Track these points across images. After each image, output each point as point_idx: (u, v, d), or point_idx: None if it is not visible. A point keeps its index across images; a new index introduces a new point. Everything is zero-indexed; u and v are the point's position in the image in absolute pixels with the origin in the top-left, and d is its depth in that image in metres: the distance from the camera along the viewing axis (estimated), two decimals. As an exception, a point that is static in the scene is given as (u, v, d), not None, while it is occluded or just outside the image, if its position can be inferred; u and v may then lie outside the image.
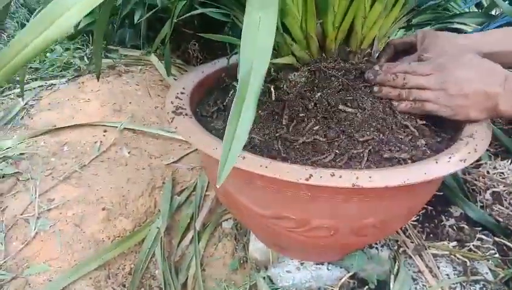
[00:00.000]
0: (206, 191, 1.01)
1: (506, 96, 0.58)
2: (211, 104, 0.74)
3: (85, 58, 1.43)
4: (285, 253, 0.81)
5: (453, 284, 0.75)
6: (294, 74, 0.66)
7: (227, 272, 0.89)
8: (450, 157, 0.54)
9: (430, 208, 0.90)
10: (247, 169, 0.52)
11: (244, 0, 0.38)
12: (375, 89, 0.65)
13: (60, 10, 0.35)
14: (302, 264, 0.79)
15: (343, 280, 0.77)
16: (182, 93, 0.70)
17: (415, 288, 0.75)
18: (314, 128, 0.60)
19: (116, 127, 1.09)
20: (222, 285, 0.86)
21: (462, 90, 0.59)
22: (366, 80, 0.65)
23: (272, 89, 0.65)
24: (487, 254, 0.81)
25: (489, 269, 0.78)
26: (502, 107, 0.58)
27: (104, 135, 1.08)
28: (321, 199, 0.54)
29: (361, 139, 0.59)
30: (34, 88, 1.25)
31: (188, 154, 1.12)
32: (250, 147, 0.60)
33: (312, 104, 0.63)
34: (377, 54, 0.69)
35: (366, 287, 0.77)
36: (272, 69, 0.68)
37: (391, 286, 0.76)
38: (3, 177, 0.92)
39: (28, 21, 1.68)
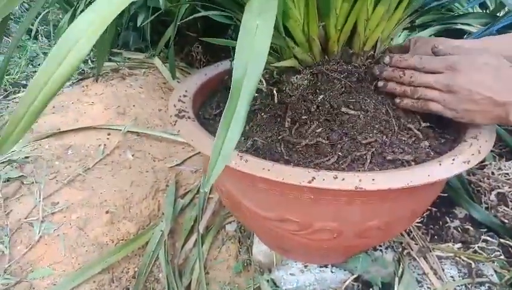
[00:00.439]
0: (210, 193, 1.01)
1: None
2: (213, 107, 0.74)
3: (89, 61, 1.44)
4: (288, 256, 0.80)
5: (458, 286, 0.75)
6: (297, 77, 0.66)
7: (230, 274, 0.89)
8: (453, 159, 0.54)
9: (434, 209, 0.90)
10: (250, 172, 0.52)
11: (245, 4, 0.38)
12: (380, 84, 0.63)
13: (67, 48, 0.35)
14: (306, 266, 0.79)
15: (347, 283, 0.77)
16: (184, 96, 0.70)
17: (419, 290, 0.75)
18: (317, 131, 0.60)
19: (120, 130, 1.10)
20: (226, 288, 0.86)
21: (471, 95, 0.55)
22: (371, 75, 0.64)
23: (275, 92, 0.65)
24: (492, 255, 0.80)
25: (495, 271, 0.78)
26: None
27: (107, 138, 1.08)
28: (324, 201, 0.54)
29: (364, 142, 0.58)
30: (38, 92, 1.25)
31: (191, 156, 1.12)
32: (253, 149, 0.60)
33: (315, 106, 0.62)
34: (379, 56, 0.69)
35: (371, 289, 0.77)
36: (275, 72, 0.68)
37: (396, 288, 0.75)
38: (8, 180, 0.93)
39: (32, 25, 1.69)
